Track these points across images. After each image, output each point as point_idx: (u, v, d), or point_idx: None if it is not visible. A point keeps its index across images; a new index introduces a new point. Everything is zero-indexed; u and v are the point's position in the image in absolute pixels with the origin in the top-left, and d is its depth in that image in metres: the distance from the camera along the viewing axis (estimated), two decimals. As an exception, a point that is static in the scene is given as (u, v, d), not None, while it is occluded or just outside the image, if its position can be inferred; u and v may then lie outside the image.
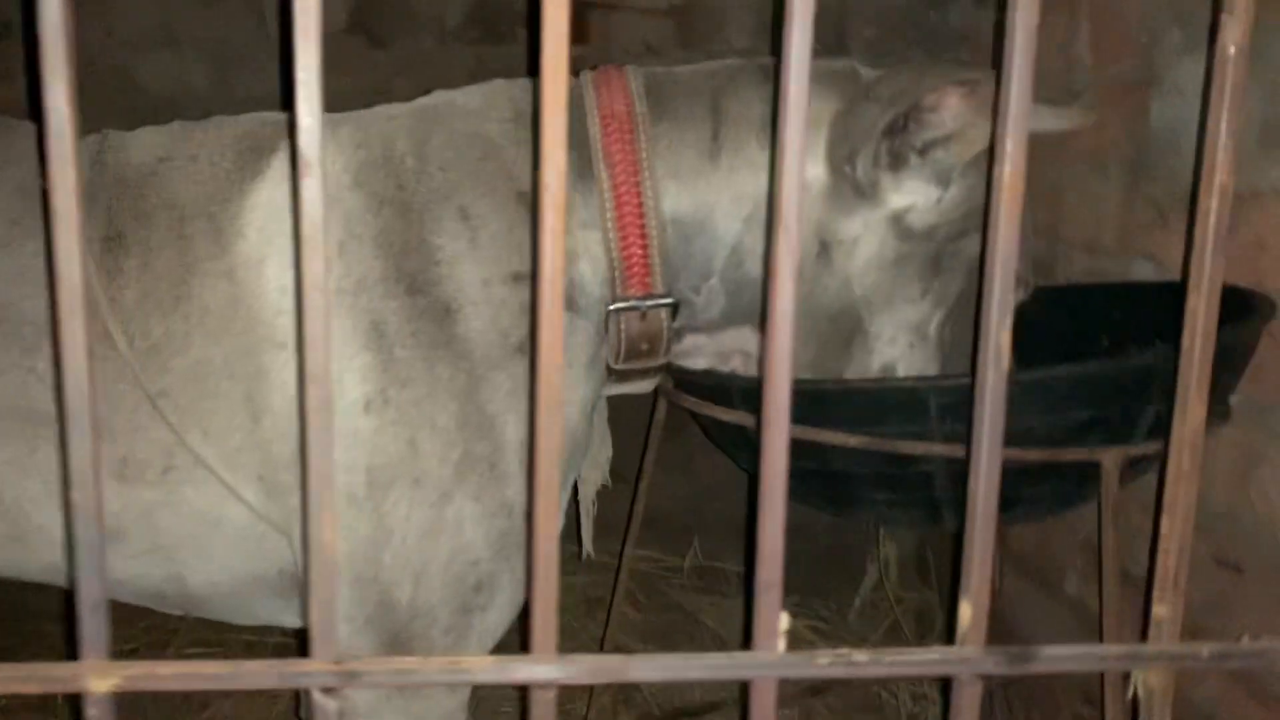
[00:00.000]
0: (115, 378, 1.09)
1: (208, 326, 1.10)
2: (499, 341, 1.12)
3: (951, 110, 1.14)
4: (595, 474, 1.37)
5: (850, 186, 1.16)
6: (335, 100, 2.26)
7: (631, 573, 2.52)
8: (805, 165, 1.18)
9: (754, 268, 1.20)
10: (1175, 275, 1.48)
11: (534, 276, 0.50)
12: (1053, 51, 1.81)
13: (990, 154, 1.21)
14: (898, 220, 1.18)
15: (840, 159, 1.17)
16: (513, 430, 1.13)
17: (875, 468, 1.12)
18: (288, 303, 1.10)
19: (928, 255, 1.19)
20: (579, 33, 2.47)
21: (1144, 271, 1.56)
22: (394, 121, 1.20)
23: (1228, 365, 1.20)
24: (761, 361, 1.24)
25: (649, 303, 1.17)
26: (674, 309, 1.19)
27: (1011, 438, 1.10)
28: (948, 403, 1.07)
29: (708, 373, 1.23)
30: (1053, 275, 1.81)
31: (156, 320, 1.11)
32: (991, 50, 2.10)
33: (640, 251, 1.16)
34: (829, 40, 2.49)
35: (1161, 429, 1.12)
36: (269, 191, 1.14)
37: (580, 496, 1.37)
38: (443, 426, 1.10)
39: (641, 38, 2.45)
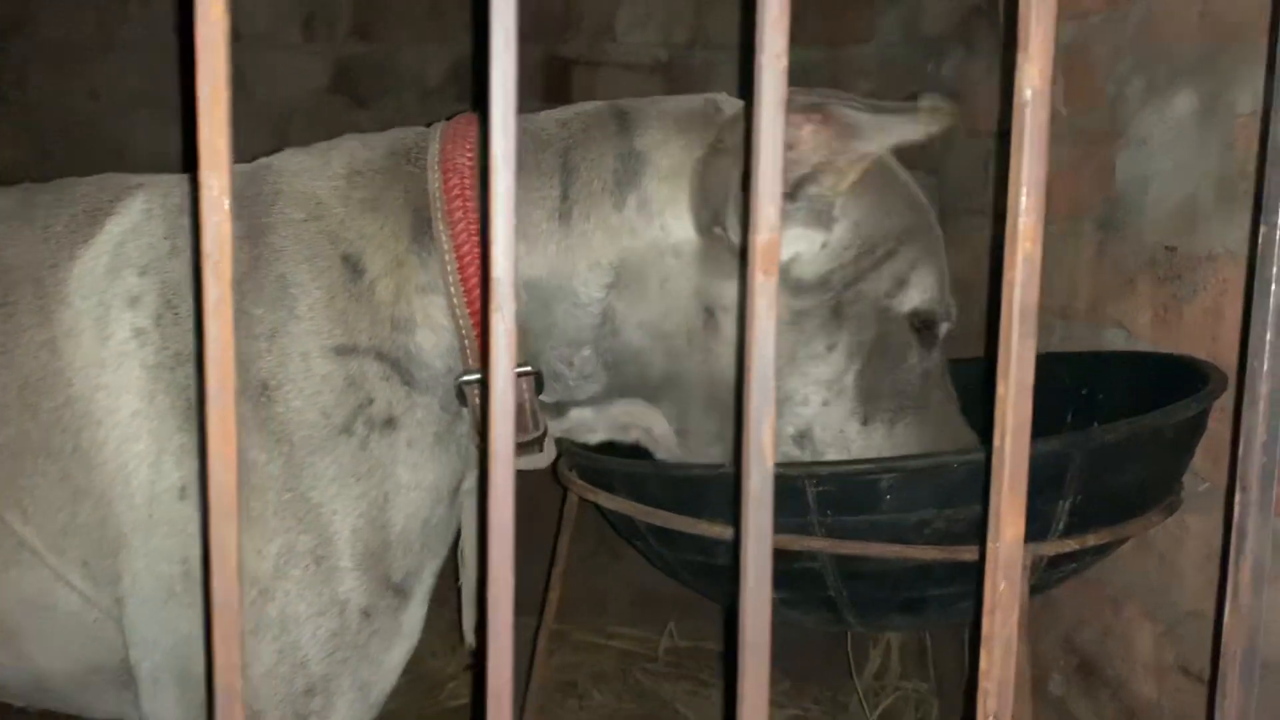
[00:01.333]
0: None
1: (26, 399, 1.03)
2: (320, 422, 1.03)
3: (808, 144, 1.02)
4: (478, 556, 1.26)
5: (725, 247, 1.05)
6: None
7: (609, 654, 2.42)
8: (670, 226, 1.08)
9: (634, 338, 1.08)
10: (1144, 346, 1.34)
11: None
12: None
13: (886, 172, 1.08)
14: (783, 276, 1.05)
15: (707, 220, 1.05)
16: (342, 520, 1.03)
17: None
18: (107, 377, 1.03)
19: (827, 307, 1.05)
20: (562, 90, 2.41)
21: (1115, 341, 1.42)
22: None
23: (1175, 447, 1.06)
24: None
25: None
26: (538, 380, 1.09)
27: (905, 532, 0.98)
28: (828, 492, 0.95)
29: (590, 455, 1.12)
30: (1030, 342, 1.67)
31: None
32: (995, 96, 1.98)
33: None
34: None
35: (1081, 524, 0.99)
36: (96, 258, 1.07)
37: (462, 580, 1.26)
38: (258, 516, 1.01)
39: (626, 94, 2.38)
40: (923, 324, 1.09)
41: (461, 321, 1.05)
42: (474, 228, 1.05)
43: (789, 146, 1.02)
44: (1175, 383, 1.16)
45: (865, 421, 1.07)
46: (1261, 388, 0.59)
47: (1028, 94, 0.56)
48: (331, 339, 1.05)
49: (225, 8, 0.55)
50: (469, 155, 1.07)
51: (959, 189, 2.09)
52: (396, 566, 1.08)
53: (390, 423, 1.05)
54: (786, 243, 1.04)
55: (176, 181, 1.14)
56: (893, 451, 1.08)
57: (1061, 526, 0.97)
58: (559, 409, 1.13)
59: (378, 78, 2.38)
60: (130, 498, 1.03)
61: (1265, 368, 0.59)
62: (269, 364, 1.04)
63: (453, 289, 1.05)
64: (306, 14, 2.41)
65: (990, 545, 0.60)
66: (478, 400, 1.07)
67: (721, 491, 1.00)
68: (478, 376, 1.06)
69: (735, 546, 0.61)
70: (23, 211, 1.12)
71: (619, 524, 1.13)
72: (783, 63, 0.56)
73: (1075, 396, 1.37)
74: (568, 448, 1.16)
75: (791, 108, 0.99)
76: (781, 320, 1.05)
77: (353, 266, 1.06)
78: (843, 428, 1.07)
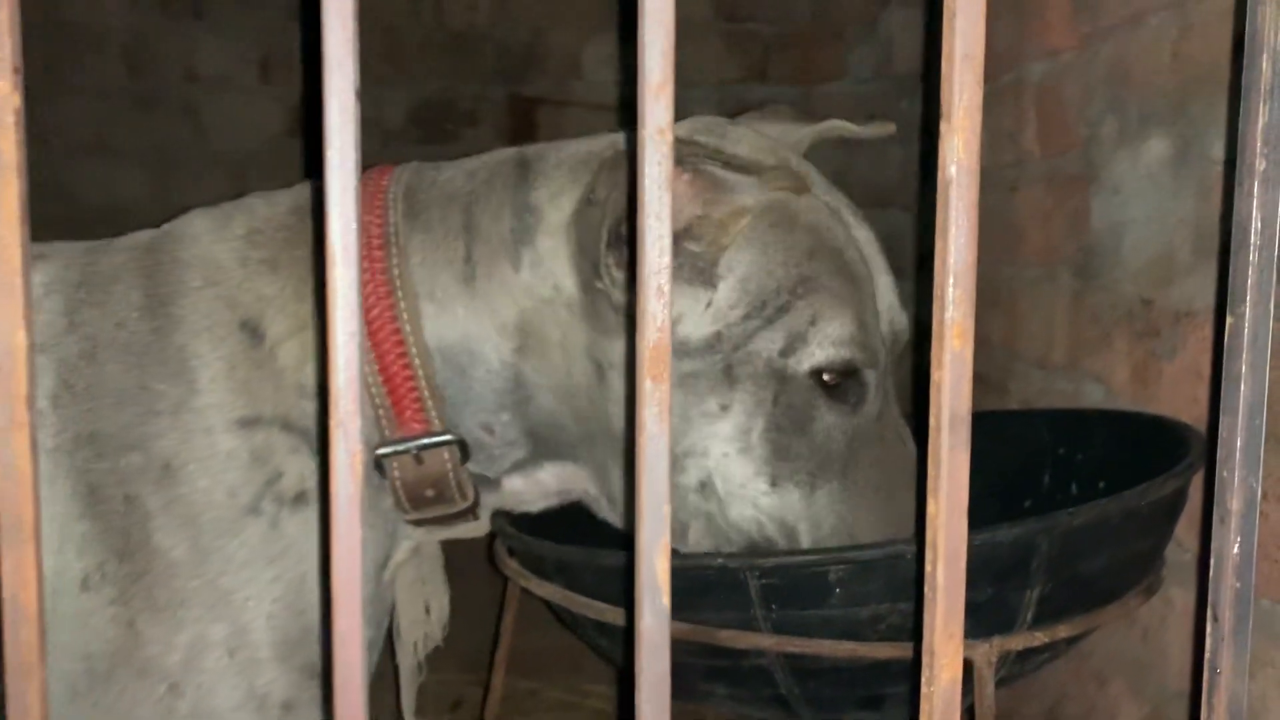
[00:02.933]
0: None
1: None
2: (227, 502, 0.96)
3: (683, 196, 0.93)
4: (417, 630, 1.18)
5: (607, 303, 0.97)
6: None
7: (583, 713, 2.32)
8: (561, 284, 0.98)
9: (545, 401, 1.00)
10: (1123, 402, 1.26)
11: None
12: (1002, 141, 1.62)
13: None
14: None
15: (588, 275, 0.97)
16: (256, 607, 0.96)
17: (701, 658, 0.91)
18: None
19: (717, 368, 0.96)
20: (528, 129, 2.34)
21: (1094, 395, 1.34)
22: (123, 252, 1.05)
23: (1153, 526, 0.97)
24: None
25: (418, 444, 0.98)
26: (463, 449, 1.01)
27: (856, 627, 0.90)
28: (773, 585, 0.86)
29: (522, 537, 1.03)
30: (1007, 395, 1.59)
31: None
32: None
33: (407, 384, 0.98)
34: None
35: (1052, 613, 0.90)
36: None
37: (398, 660, 1.18)
38: (165, 606, 0.94)
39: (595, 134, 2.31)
40: (840, 378, 0.97)
41: (374, 389, 0.98)
42: (383, 289, 0.99)
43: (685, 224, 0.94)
44: (1156, 446, 1.08)
45: (774, 484, 0.97)
46: (1232, 502, 0.51)
47: (952, 170, 0.48)
48: (235, 411, 0.98)
49: (15, 86, 0.47)
50: (377, 212, 1.00)
51: (934, 233, 2.02)
52: (318, 653, 1.00)
53: (302, 498, 0.98)
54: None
55: (81, 252, 1.08)
56: (812, 519, 0.97)
57: (1030, 618, 0.88)
58: (491, 481, 1.06)
59: (336, 120, 2.31)
60: None
61: (1236, 479, 0.51)
62: (171, 442, 0.97)
63: (365, 354, 0.98)
64: (263, 55, 2.34)
65: (925, 689, 0.52)
66: (397, 474, 0.99)
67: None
68: (395, 448, 0.98)
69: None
70: None
71: (558, 611, 1.04)
72: (668, 138, 0.48)
73: (1053, 456, 1.29)
74: (500, 526, 1.07)
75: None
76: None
77: (252, 332, 0.99)
78: (745, 484, 0.97)
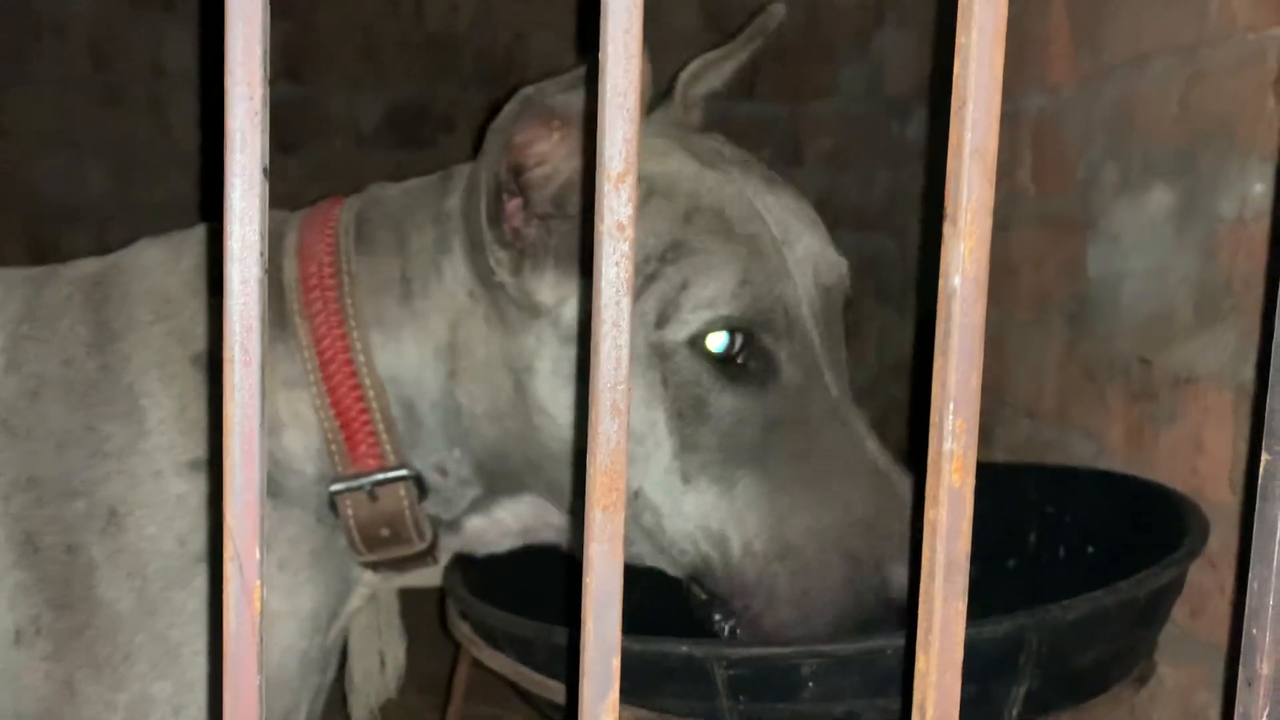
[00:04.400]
0: None
1: None
2: (175, 551, 0.90)
3: (557, 158, 0.87)
4: (371, 683, 1.11)
5: (506, 297, 0.90)
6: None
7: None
8: (467, 281, 0.92)
9: (484, 428, 0.94)
10: (1116, 463, 1.20)
11: None
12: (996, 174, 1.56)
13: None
14: (557, 322, 0.89)
15: (483, 266, 0.90)
16: (205, 662, 0.91)
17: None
18: None
19: None
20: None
21: (1084, 450, 1.28)
22: (69, 284, 0.99)
23: (1148, 616, 0.92)
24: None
25: (372, 479, 0.92)
26: (420, 486, 0.95)
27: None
28: (741, 676, 0.80)
29: (475, 602, 0.96)
30: (993, 442, 1.53)
31: None
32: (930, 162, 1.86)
33: (360, 418, 0.92)
34: (786, 150, 2.27)
35: (1039, 708, 0.84)
36: None
37: (350, 706, 1.11)
38: (107, 662, 0.89)
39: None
40: (742, 349, 0.86)
41: (326, 422, 0.93)
42: (334, 319, 0.93)
43: (540, 162, 0.88)
44: (1152, 517, 1.03)
45: (686, 480, 0.88)
46: (1262, 666, 0.45)
47: (955, 281, 0.42)
48: (185, 453, 0.92)
49: None
50: (328, 241, 0.95)
51: (924, 264, 1.96)
52: (272, 708, 0.95)
53: None
54: (548, 282, 0.89)
55: (21, 281, 1.02)
56: (737, 521, 0.87)
57: (1015, 714, 0.82)
58: (451, 524, 0.99)
59: (307, 123, 2.23)
60: None
61: (1268, 640, 0.45)
62: (118, 487, 0.91)
63: (317, 384, 0.92)
64: (234, 52, 2.26)
65: None
66: (350, 512, 0.93)
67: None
68: (348, 484, 0.93)
69: None
70: None
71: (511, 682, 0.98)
72: (628, 235, 0.41)
73: (1041, 514, 1.23)
74: (452, 585, 1.00)
75: (534, 113, 0.85)
76: (561, 375, 0.90)
77: (202, 366, 0.94)
78: (667, 486, 0.89)
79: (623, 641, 0.82)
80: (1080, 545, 1.18)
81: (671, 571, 0.94)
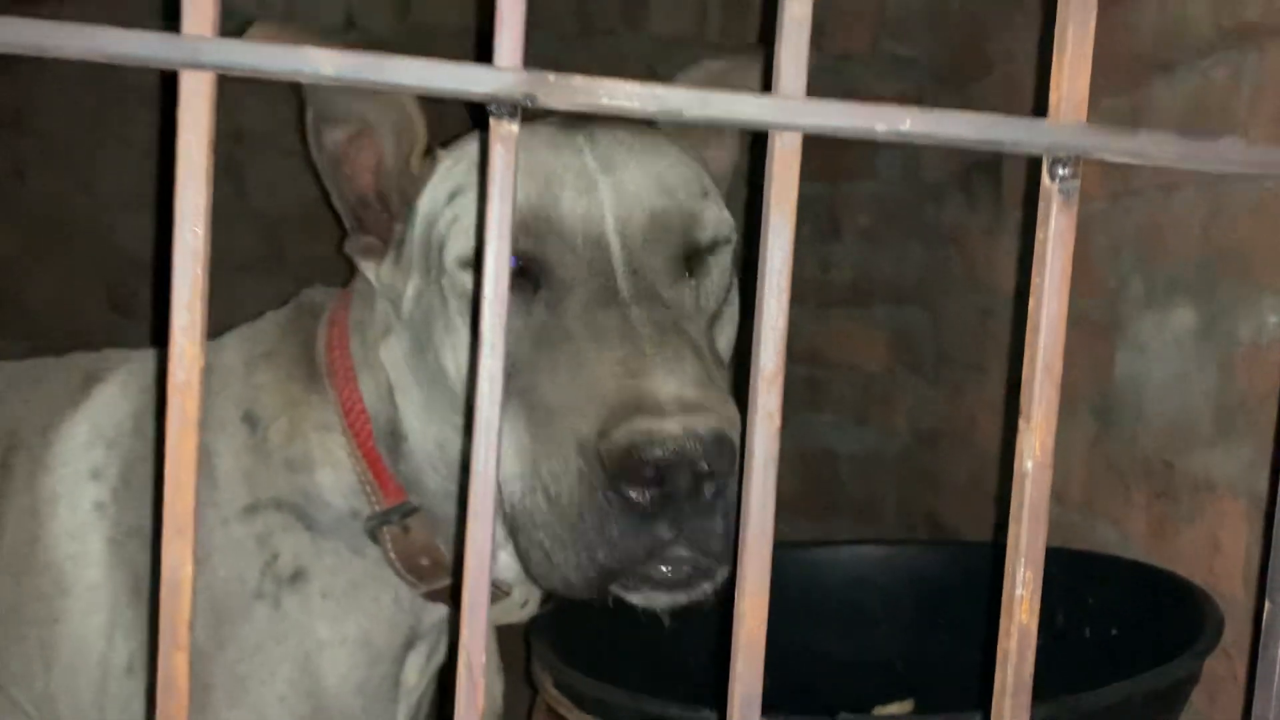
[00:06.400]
0: None
1: (13, 566, 1.06)
2: (239, 590, 1.02)
3: (390, 160, 1.00)
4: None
5: (387, 302, 1.03)
6: (314, 265, 2.17)
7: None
8: (381, 320, 1.04)
9: (432, 433, 1.02)
10: (1138, 552, 1.31)
11: None
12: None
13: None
14: (402, 303, 1.03)
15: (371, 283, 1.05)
16: (269, 690, 1.01)
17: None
18: (75, 547, 1.05)
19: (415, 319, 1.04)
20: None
21: (1108, 538, 1.39)
22: None
23: (1169, 703, 1.02)
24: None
25: (399, 510, 1.03)
26: None
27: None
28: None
29: (563, 667, 1.07)
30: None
31: None
32: (994, 247, 1.97)
33: (376, 455, 1.04)
34: (824, 224, 2.40)
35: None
36: (78, 424, 1.10)
37: None
38: (192, 694, 1.00)
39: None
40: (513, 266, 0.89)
41: (356, 463, 1.05)
42: (350, 373, 1.06)
43: (374, 188, 1.01)
44: (1173, 608, 1.13)
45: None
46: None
47: (1028, 465, 0.54)
48: (241, 500, 1.05)
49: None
50: (344, 299, 1.10)
51: (955, 338, 2.08)
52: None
53: (299, 575, 1.04)
54: (412, 269, 1.01)
55: (151, 357, 1.16)
56: (509, 437, 0.85)
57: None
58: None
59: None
60: (90, 670, 1.04)
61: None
62: (200, 535, 1.03)
63: (345, 432, 1.05)
64: (308, 119, 2.40)
65: None
66: (390, 544, 1.04)
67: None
68: (381, 517, 1.03)
69: None
70: (32, 375, 1.18)
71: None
72: (776, 423, 0.53)
73: (1067, 596, 1.34)
74: (542, 652, 1.11)
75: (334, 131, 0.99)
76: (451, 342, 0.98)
77: (252, 421, 1.07)
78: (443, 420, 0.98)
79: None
80: (1105, 627, 1.29)
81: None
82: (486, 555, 0.49)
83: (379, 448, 1.04)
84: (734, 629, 0.54)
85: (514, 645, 1.25)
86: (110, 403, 1.12)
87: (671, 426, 0.77)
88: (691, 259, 0.95)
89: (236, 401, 1.08)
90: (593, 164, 0.93)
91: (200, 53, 0.48)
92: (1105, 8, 1.39)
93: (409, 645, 1.10)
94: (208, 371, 1.11)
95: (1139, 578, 1.23)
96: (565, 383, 0.84)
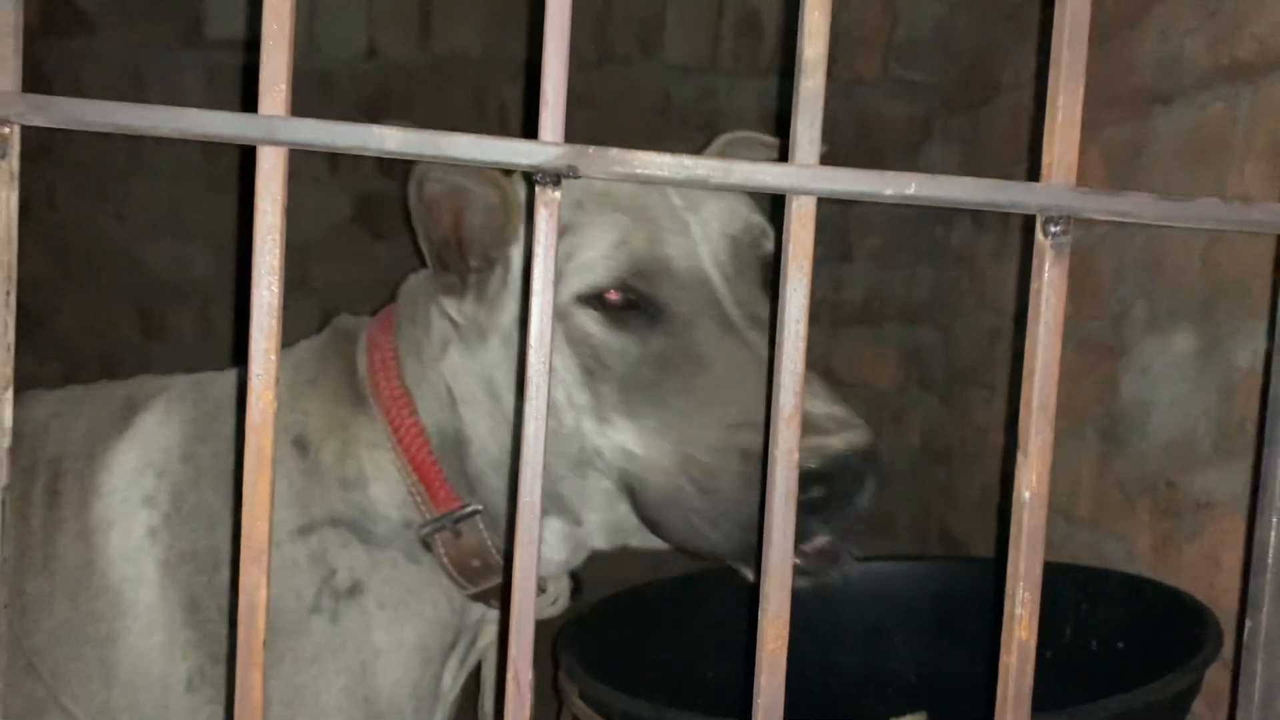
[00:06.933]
0: None
1: (67, 589, 1.10)
2: (294, 605, 1.08)
3: (476, 221, 1.06)
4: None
5: (465, 329, 1.10)
6: (338, 288, 2.23)
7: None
8: (440, 338, 1.11)
9: (493, 450, 1.11)
10: (1143, 568, 1.35)
11: None
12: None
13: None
14: (503, 334, 1.09)
15: (445, 314, 1.10)
16: (326, 699, 1.07)
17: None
18: (130, 570, 1.10)
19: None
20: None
21: (1116, 554, 1.43)
22: (223, 389, 1.20)
23: (1172, 711, 1.06)
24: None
25: (451, 517, 1.10)
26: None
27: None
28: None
29: (590, 680, 1.12)
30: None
31: (28, 578, 1.11)
32: (999, 269, 2.02)
33: (433, 468, 1.11)
34: (836, 247, 2.45)
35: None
36: (126, 452, 1.14)
37: None
38: None
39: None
40: (629, 301, 1.01)
41: (406, 476, 1.11)
42: (397, 391, 1.12)
43: (449, 227, 1.06)
44: (1175, 621, 1.18)
45: (603, 422, 1.03)
46: (1249, 778, 0.61)
47: (1025, 495, 0.59)
48: (293, 522, 1.11)
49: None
50: (389, 334, 1.16)
51: (965, 357, 2.12)
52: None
53: (356, 588, 1.10)
54: (501, 307, 1.08)
55: (191, 385, 1.21)
56: (645, 445, 1.01)
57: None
58: None
59: (398, 212, 2.43)
60: (151, 688, 1.09)
61: (1253, 759, 0.61)
62: None
63: (393, 448, 1.11)
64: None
65: None
66: (442, 550, 1.10)
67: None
68: (433, 524, 1.09)
69: None
70: (75, 406, 1.21)
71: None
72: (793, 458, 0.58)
73: (1075, 611, 1.38)
74: (570, 665, 1.16)
75: (443, 193, 1.04)
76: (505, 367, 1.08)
77: (301, 446, 1.13)
78: (593, 431, 1.04)
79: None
80: (1111, 640, 1.33)
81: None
82: (532, 586, 0.54)
83: (438, 454, 1.11)
84: (758, 646, 0.59)
85: (539, 644, 1.31)
86: (156, 431, 1.16)
87: (837, 443, 0.93)
88: (763, 270, 1.09)
89: (286, 428, 1.13)
90: (680, 204, 1.06)
91: (275, 130, 0.53)
92: (1108, 41, 1.44)
93: (453, 646, 1.17)
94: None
95: (1143, 593, 1.28)
96: (708, 399, 0.99)
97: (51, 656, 1.10)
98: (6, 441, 0.53)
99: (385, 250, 2.41)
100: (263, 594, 0.55)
